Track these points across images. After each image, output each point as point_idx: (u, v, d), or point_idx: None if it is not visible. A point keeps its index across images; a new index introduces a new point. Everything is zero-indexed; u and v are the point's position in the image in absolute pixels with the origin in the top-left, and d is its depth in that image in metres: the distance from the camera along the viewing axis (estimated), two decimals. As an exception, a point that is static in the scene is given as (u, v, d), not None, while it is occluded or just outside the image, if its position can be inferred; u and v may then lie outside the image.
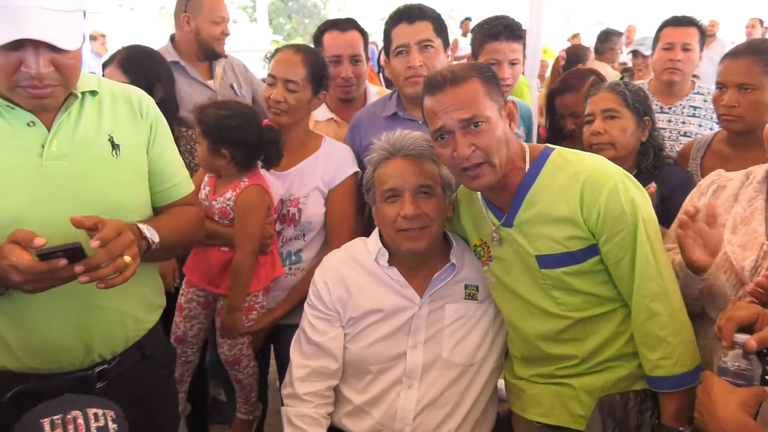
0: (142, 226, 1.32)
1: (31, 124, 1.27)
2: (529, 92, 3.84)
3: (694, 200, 1.62)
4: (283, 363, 1.87)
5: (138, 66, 2.18)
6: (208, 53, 2.70)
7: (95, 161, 1.32)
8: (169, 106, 2.18)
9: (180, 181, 1.51)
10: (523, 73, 4.40)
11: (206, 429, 2.54)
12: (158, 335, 1.55)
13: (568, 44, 7.97)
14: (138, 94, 1.46)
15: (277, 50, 2.00)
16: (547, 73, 5.44)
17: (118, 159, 1.35)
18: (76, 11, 1.23)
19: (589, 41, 8.81)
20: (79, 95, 1.33)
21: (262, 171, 1.92)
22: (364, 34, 2.38)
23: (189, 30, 2.66)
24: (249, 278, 1.84)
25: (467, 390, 1.63)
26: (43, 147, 1.27)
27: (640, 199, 1.42)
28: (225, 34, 2.70)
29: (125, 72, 2.16)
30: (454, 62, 2.73)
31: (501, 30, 2.19)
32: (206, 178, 1.94)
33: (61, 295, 1.24)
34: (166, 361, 1.60)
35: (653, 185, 1.79)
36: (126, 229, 1.23)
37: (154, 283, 1.54)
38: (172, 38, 2.74)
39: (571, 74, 2.62)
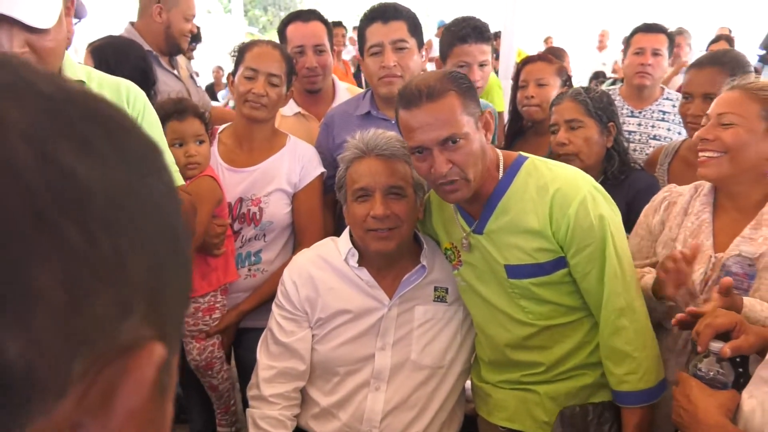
0: None
1: None
2: (501, 93, 3.86)
3: (649, 216, 1.65)
4: (245, 367, 1.84)
5: (104, 59, 2.09)
6: (173, 48, 2.63)
7: None
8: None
9: None
10: (496, 74, 4.45)
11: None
12: None
13: (544, 46, 8.06)
14: (128, 86, 1.43)
15: (249, 44, 1.95)
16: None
17: None
18: None
19: (564, 43, 8.93)
20: None
21: (219, 167, 1.89)
22: (327, 24, 2.35)
23: (160, 21, 2.59)
24: None
25: (435, 392, 1.62)
26: None
27: (609, 212, 1.42)
28: (192, 32, 2.67)
29: (96, 67, 2.09)
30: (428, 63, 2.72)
31: (469, 32, 2.18)
32: None
33: None
34: None
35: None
36: None
37: None
38: (133, 26, 2.65)
39: (551, 50, 2.66)
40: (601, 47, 8.44)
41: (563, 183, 1.41)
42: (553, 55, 4.09)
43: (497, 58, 4.19)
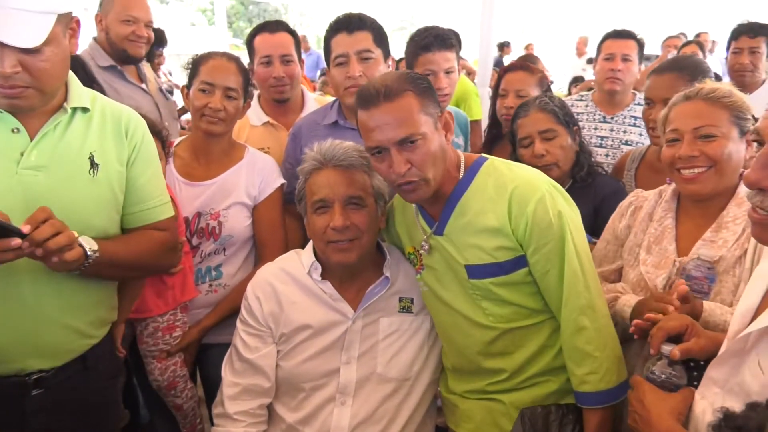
0: (77, 233, 1.28)
1: (15, 130, 1.27)
2: (479, 101, 3.87)
3: (615, 222, 1.66)
4: (210, 384, 1.81)
5: (83, 68, 2.05)
6: (121, 56, 2.55)
7: (71, 177, 1.32)
8: None
9: (155, 205, 1.49)
10: (474, 82, 4.47)
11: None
12: (105, 348, 1.52)
13: (524, 53, 8.12)
14: (129, 115, 1.46)
15: (203, 56, 1.92)
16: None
17: (94, 178, 1.35)
18: (46, 13, 1.20)
19: (544, 49, 9.01)
20: (69, 110, 1.33)
21: (176, 181, 1.86)
22: (295, 35, 2.36)
23: (101, 30, 2.55)
24: (136, 291, 1.73)
25: (402, 404, 1.60)
26: (22, 155, 1.26)
27: (567, 210, 1.42)
28: (138, 35, 2.54)
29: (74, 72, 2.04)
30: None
31: (432, 41, 2.19)
32: None
33: (7, 301, 1.25)
34: (111, 374, 1.56)
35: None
36: (53, 215, 1.21)
37: (109, 300, 1.51)
38: (96, 41, 2.61)
39: (526, 58, 2.67)
40: (580, 53, 8.52)
41: (521, 181, 1.41)
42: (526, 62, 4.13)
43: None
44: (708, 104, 1.44)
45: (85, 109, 1.36)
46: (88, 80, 1.96)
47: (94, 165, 1.35)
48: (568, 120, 1.96)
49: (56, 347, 1.37)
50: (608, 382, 1.38)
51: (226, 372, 1.64)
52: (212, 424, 1.66)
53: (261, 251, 1.94)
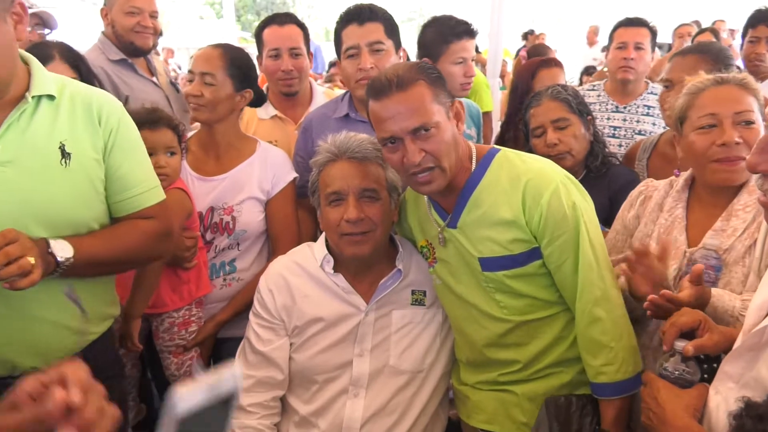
0: (51, 241, 1.24)
1: None
2: (489, 92, 3.85)
3: (625, 212, 1.64)
4: None
5: (85, 62, 2.03)
6: (129, 48, 2.55)
7: (41, 170, 1.25)
8: None
9: (141, 191, 1.42)
10: (485, 73, 4.44)
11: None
12: (105, 345, 1.48)
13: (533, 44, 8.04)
14: (101, 99, 1.38)
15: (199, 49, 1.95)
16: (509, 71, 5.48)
17: (66, 168, 1.28)
18: None
19: (553, 41, 8.92)
20: (30, 99, 1.25)
21: (189, 177, 1.86)
22: (303, 28, 2.34)
23: (107, 24, 2.56)
24: (152, 285, 1.73)
25: (415, 396, 1.60)
26: None
27: (582, 202, 1.41)
28: (143, 26, 2.53)
29: (74, 68, 1.98)
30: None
31: (466, 30, 2.25)
32: None
33: None
34: (111, 373, 1.50)
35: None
36: (22, 235, 1.16)
37: (105, 295, 1.46)
38: (105, 35, 2.61)
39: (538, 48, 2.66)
40: (591, 43, 8.43)
41: (535, 173, 1.40)
42: (538, 53, 4.09)
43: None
44: (742, 90, 1.40)
45: (51, 97, 1.29)
46: (89, 75, 1.96)
47: (65, 155, 1.27)
48: (581, 109, 1.94)
49: (48, 345, 1.32)
50: (624, 372, 1.38)
51: (239, 364, 1.65)
52: None
53: (274, 245, 1.94)
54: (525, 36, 8.42)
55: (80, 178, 1.30)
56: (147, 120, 1.76)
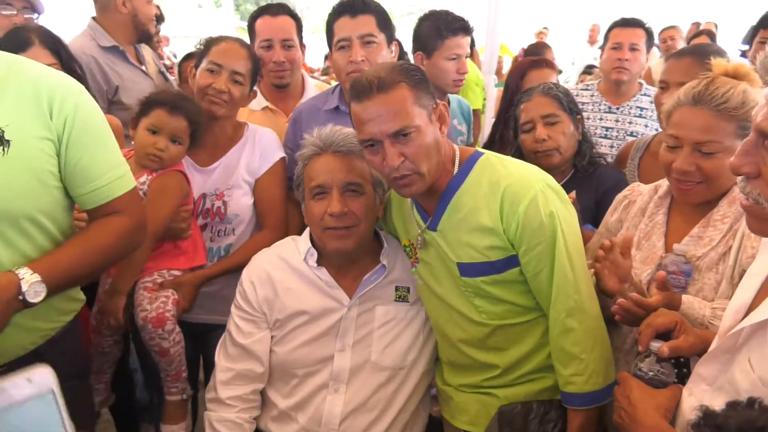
0: (23, 284, 1.17)
1: None
2: (478, 90, 3.82)
3: (609, 215, 1.64)
4: (212, 368, 1.78)
5: (65, 48, 1.99)
6: (144, 35, 2.61)
7: None
8: None
9: (107, 182, 1.32)
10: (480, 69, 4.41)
11: (138, 428, 2.45)
12: (66, 344, 1.40)
13: (534, 41, 8.02)
14: (54, 84, 1.26)
15: (217, 38, 1.91)
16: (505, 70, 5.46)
17: (5, 156, 1.19)
18: None
19: (552, 39, 8.90)
20: None
21: (188, 166, 1.85)
22: (297, 19, 2.32)
23: (125, 12, 2.55)
24: (142, 262, 1.71)
25: (396, 393, 1.59)
26: None
27: (561, 211, 1.38)
28: (156, 15, 2.67)
29: (55, 54, 1.93)
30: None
31: (462, 25, 2.25)
32: None
33: None
34: (72, 374, 1.35)
35: (573, 193, 1.72)
36: None
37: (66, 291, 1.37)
38: (96, 21, 2.58)
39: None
40: (592, 41, 8.42)
41: (515, 179, 1.38)
42: (534, 53, 4.07)
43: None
44: (715, 116, 1.34)
45: None
46: (69, 61, 1.92)
47: (4, 142, 1.18)
48: (572, 107, 1.93)
49: (2, 344, 1.24)
50: (594, 384, 1.37)
51: (219, 357, 1.64)
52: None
53: (262, 221, 1.92)
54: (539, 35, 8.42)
55: (20, 167, 1.20)
56: (169, 102, 1.75)
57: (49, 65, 1.72)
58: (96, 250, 1.32)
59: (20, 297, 1.16)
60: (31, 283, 1.18)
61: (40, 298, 1.19)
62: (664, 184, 1.55)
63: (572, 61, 8.83)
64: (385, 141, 1.32)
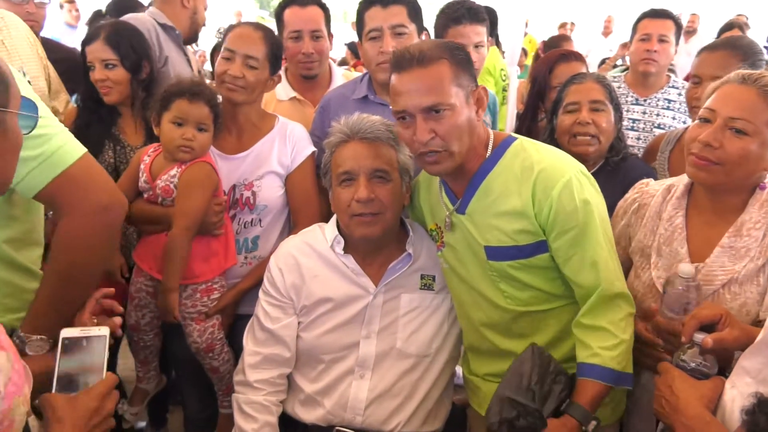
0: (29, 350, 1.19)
1: None
2: (492, 81, 3.79)
3: (618, 219, 1.58)
4: (239, 353, 1.81)
5: (127, 42, 2.05)
6: (193, 36, 2.69)
7: None
8: (152, 84, 2.08)
9: (31, 168, 1.10)
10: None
11: (167, 409, 2.54)
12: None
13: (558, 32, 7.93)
14: None
15: (234, 25, 1.93)
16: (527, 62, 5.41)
17: None
18: None
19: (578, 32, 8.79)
20: None
21: (213, 155, 1.85)
22: (325, 10, 2.31)
23: (188, 7, 2.59)
24: (183, 257, 1.73)
25: (420, 381, 1.61)
26: None
27: (594, 197, 1.38)
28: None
29: (114, 48, 2.02)
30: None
31: (464, 13, 2.17)
32: (142, 165, 1.80)
33: None
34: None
35: None
36: None
37: (4, 287, 1.24)
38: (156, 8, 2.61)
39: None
40: (607, 33, 8.30)
41: (549, 164, 1.37)
42: (554, 45, 4.04)
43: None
44: (758, 96, 1.29)
45: None
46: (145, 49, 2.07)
47: None
48: (616, 102, 1.93)
49: None
50: (618, 363, 1.33)
51: (247, 341, 1.66)
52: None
53: (295, 218, 1.93)
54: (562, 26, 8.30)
55: None
56: (187, 90, 1.75)
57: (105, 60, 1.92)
58: (66, 275, 1.21)
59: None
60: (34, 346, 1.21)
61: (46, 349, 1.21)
62: (678, 183, 1.49)
63: (586, 53, 8.71)
64: (418, 115, 1.32)
